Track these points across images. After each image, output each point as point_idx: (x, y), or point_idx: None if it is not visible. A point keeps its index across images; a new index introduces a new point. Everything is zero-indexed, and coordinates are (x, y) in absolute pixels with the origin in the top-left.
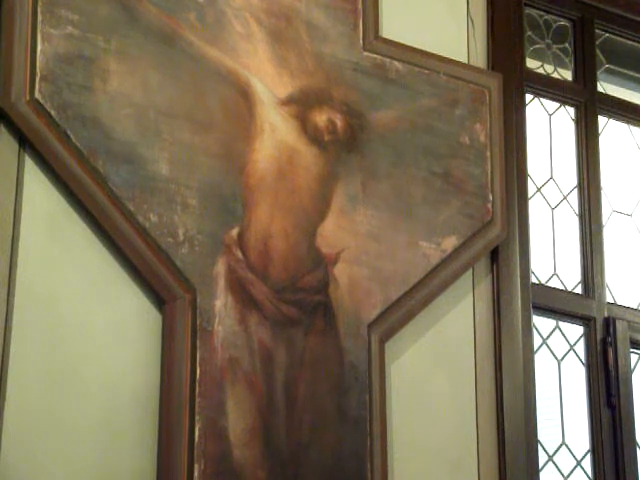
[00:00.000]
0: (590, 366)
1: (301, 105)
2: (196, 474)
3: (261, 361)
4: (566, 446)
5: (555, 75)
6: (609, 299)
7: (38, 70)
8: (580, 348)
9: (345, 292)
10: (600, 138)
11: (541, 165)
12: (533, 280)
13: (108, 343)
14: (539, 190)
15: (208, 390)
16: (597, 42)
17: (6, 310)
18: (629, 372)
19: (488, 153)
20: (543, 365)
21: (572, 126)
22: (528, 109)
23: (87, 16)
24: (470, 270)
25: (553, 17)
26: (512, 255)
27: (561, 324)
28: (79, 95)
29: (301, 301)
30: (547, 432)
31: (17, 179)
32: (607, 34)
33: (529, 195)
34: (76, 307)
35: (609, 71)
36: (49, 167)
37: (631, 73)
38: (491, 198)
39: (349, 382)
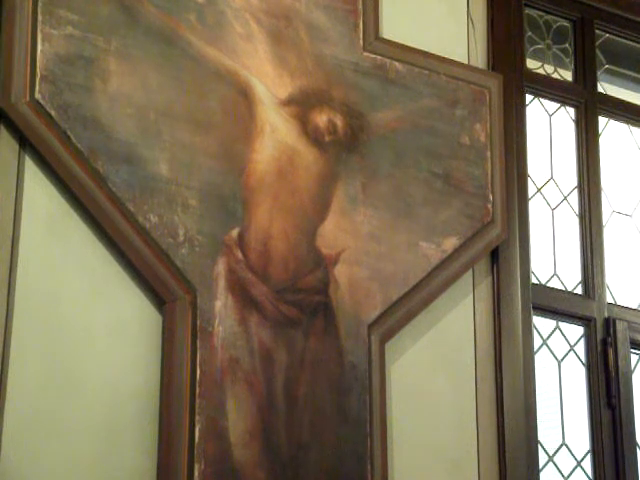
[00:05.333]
0: (590, 366)
1: (301, 106)
2: (196, 474)
3: (261, 361)
4: (566, 446)
5: (555, 75)
6: (609, 299)
7: (38, 70)
8: (580, 348)
9: (345, 293)
10: (600, 138)
11: (541, 165)
12: (533, 280)
13: (108, 343)
14: (539, 190)
15: (208, 390)
16: (597, 42)
17: (6, 310)
18: (629, 372)
19: (488, 153)
20: (543, 365)
21: (572, 126)
22: (528, 109)
23: (87, 16)
24: (470, 270)
25: (553, 17)
26: (512, 255)
27: (561, 324)
28: (79, 95)
29: (301, 302)
30: (547, 432)
31: (17, 179)
32: (607, 34)
33: (529, 195)
34: (76, 307)
35: (609, 71)
36: (49, 167)
37: (631, 73)
38: (491, 199)
39: (349, 382)
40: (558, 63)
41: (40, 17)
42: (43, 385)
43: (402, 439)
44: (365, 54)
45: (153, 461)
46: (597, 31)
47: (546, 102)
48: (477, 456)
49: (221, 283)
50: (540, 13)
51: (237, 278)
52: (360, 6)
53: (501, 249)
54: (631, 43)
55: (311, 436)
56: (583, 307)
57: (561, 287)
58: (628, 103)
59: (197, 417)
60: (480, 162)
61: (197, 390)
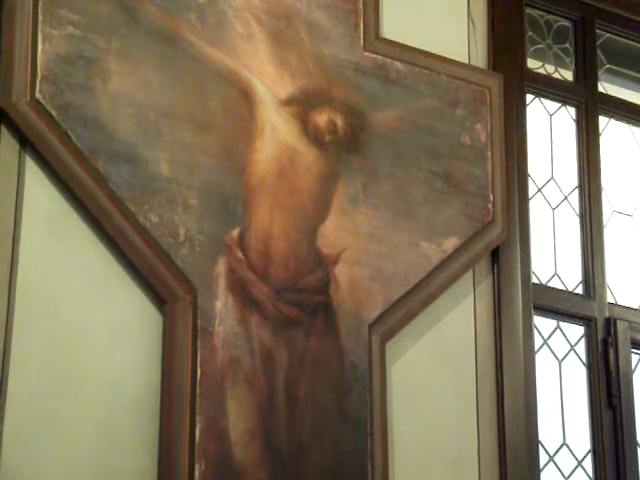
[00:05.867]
0: (591, 366)
1: (302, 105)
2: (196, 474)
3: (262, 361)
4: (567, 446)
5: (556, 75)
6: (610, 299)
7: (39, 70)
8: (581, 348)
9: (346, 292)
10: (601, 138)
11: (542, 165)
12: (534, 280)
13: (109, 343)
14: (540, 190)
15: (209, 390)
16: (598, 42)
17: (6, 310)
18: (630, 372)
19: (489, 153)
20: (544, 365)
21: (573, 126)
22: (529, 109)
23: (88, 16)
24: (471, 270)
25: (554, 17)
26: (513, 255)
27: (562, 324)
28: (80, 95)
29: (302, 301)
30: (548, 432)
31: (18, 179)
32: (608, 34)
33: (530, 195)
34: (76, 307)
35: (610, 71)
36: (50, 167)
37: (632, 73)
38: (492, 198)
39: (350, 382)
40: (559, 63)
41: (40, 17)
42: (43, 385)
43: (402, 439)
44: (366, 54)
45: (154, 461)
46: (598, 31)
47: (547, 102)
48: (477, 456)
49: (221, 283)
50: (541, 13)
51: (237, 278)
52: (361, 6)
53: (501, 249)
54: (632, 43)
55: (311, 436)
56: (584, 307)
57: (562, 287)
58: (629, 103)
59: (197, 417)
60: (480, 162)
61: (197, 390)
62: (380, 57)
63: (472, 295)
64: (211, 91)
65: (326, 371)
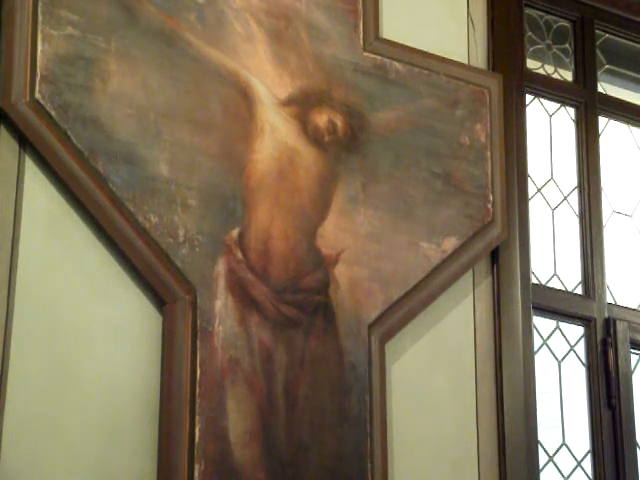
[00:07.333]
0: (590, 367)
1: (301, 106)
2: (196, 474)
3: (261, 362)
4: (566, 447)
5: (555, 76)
6: (609, 300)
7: (38, 70)
8: (580, 349)
9: (345, 293)
10: (600, 139)
11: (541, 166)
12: (533, 281)
13: (108, 344)
14: (539, 191)
15: (208, 390)
16: (597, 43)
17: (6, 311)
18: (629, 373)
19: (488, 154)
20: (543, 366)
21: (572, 127)
22: (528, 110)
23: (87, 17)
24: (470, 271)
25: (553, 17)
26: (512, 256)
27: (561, 325)
28: (79, 95)
29: (301, 302)
30: (547, 433)
31: (17, 179)
32: (607, 35)
33: (529, 196)
34: (76, 308)
35: (609, 72)
36: (49, 168)
37: (631, 74)
38: (491, 199)
39: (349, 382)
40: (558, 63)
41: (40, 17)
42: (43, 386)
43: (402, 439)
44: (365, 54)
45: (153, 461)
46: (597, 31)
47: (546, 102)
48: (477, 456)
49: (221, 283)
50: (540, 13)
51: (237, 278)
52: (360, 6)
53: (501, 249)
54: (631, 43)
55: (311, 436)
56: (583, 307)
57: (561, 287)
58: (628, 103)
59: (197, 417)
60: (480, 162)
61: (197, 390)
62: (379, 57)
63: (472, 295)
64: (210, 91)
65: (326, 371)
